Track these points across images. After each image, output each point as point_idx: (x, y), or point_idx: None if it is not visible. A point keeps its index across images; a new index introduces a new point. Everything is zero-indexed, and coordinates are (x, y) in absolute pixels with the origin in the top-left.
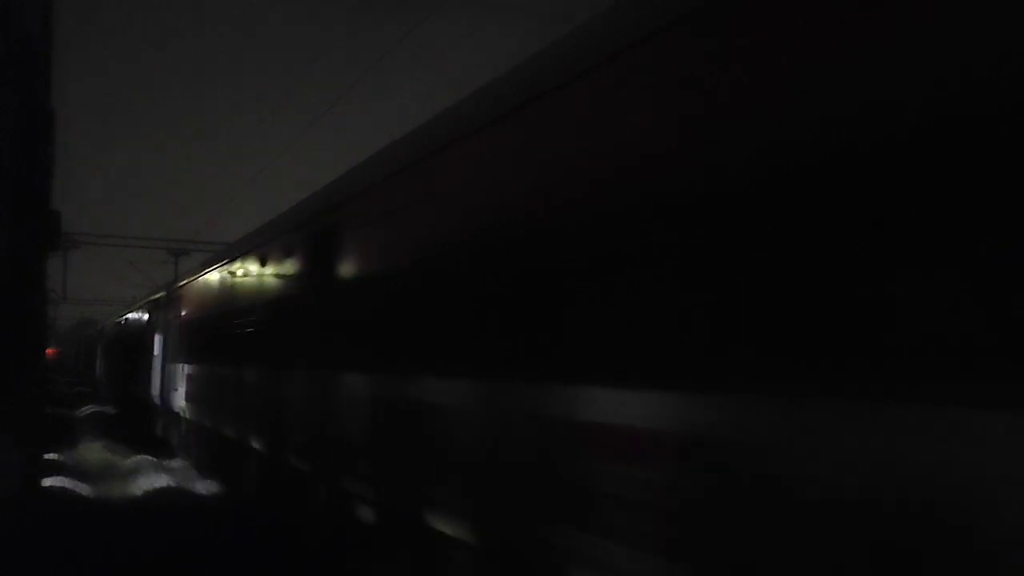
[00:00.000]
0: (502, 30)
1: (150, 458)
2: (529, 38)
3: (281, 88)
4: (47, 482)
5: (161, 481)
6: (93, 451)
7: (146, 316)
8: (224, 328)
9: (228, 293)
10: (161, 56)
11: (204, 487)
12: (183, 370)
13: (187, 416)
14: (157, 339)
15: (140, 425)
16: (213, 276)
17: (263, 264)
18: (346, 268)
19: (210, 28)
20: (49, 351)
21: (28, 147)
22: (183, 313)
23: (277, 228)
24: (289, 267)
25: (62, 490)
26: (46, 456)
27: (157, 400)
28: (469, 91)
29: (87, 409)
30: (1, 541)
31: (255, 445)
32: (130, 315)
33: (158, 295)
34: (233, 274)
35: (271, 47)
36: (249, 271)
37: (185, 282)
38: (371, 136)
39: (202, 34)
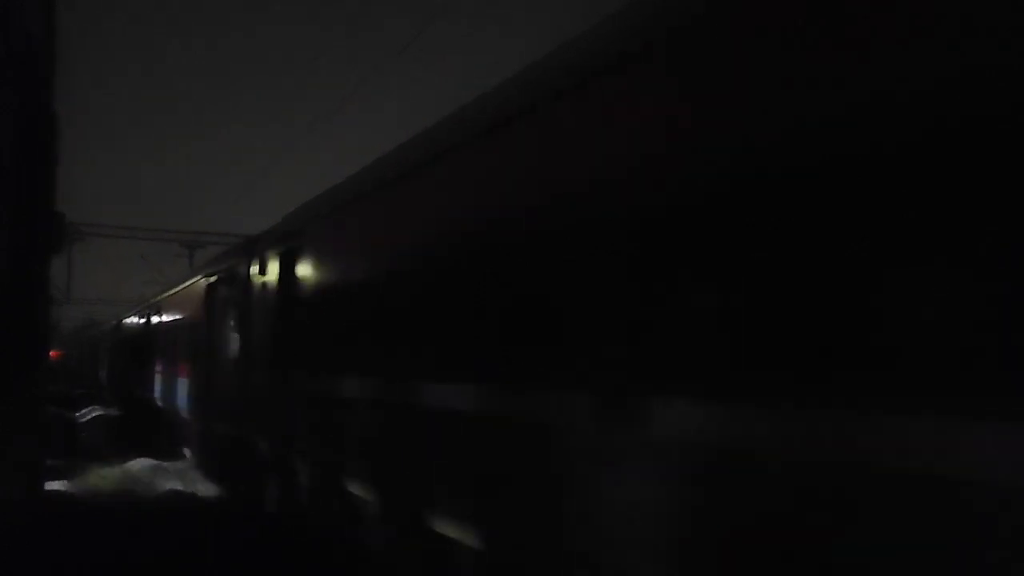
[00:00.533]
0: (503, 30)
1: (156, 461)
2: (535, 40)
3: (295, 82)
4: (49, 484)
5: (166, 484)
6: (96, 453)
7: (195, 303)
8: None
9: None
10: (173, 47)
11: (213, 490)
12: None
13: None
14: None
15: (149, 431)
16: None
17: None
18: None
19: (225, 20)
20: (52, 353)
21: (30, 148)
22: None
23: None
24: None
25: (65, 493)
26: (49, 458)
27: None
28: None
29: (90, 411)
30: (3, 544)
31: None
32: (164, 303)
33: (228, 265)
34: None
35: (288, 40)
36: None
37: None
38: (387, 130)
39: (216, 28)
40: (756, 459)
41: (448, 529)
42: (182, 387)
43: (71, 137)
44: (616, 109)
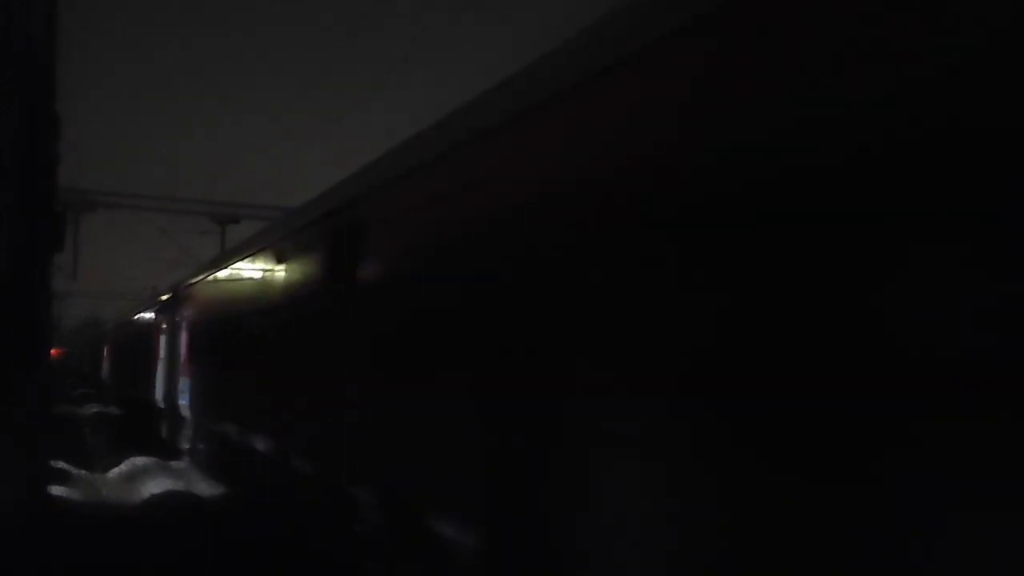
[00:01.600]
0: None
1: (157, 460)
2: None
3: (339, 53)
4: (51, 485)
5: (166, 484)
6: (98, 453)
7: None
8: None
9: None
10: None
11: (211, 489)
12: None
13: None
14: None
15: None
16: None
17: None
18: None
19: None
20: (53, 351)
21: (30, 148)
22: None
23: None
24: None
25: (66, 494)
26: (50, 459)
27: None
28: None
29: (91, 410)
30: (3, 545)
31: None
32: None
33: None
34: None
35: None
36: None
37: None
38: (430, 104)
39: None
40: None
41: None
42: None
43: (84, 107)
44: None
